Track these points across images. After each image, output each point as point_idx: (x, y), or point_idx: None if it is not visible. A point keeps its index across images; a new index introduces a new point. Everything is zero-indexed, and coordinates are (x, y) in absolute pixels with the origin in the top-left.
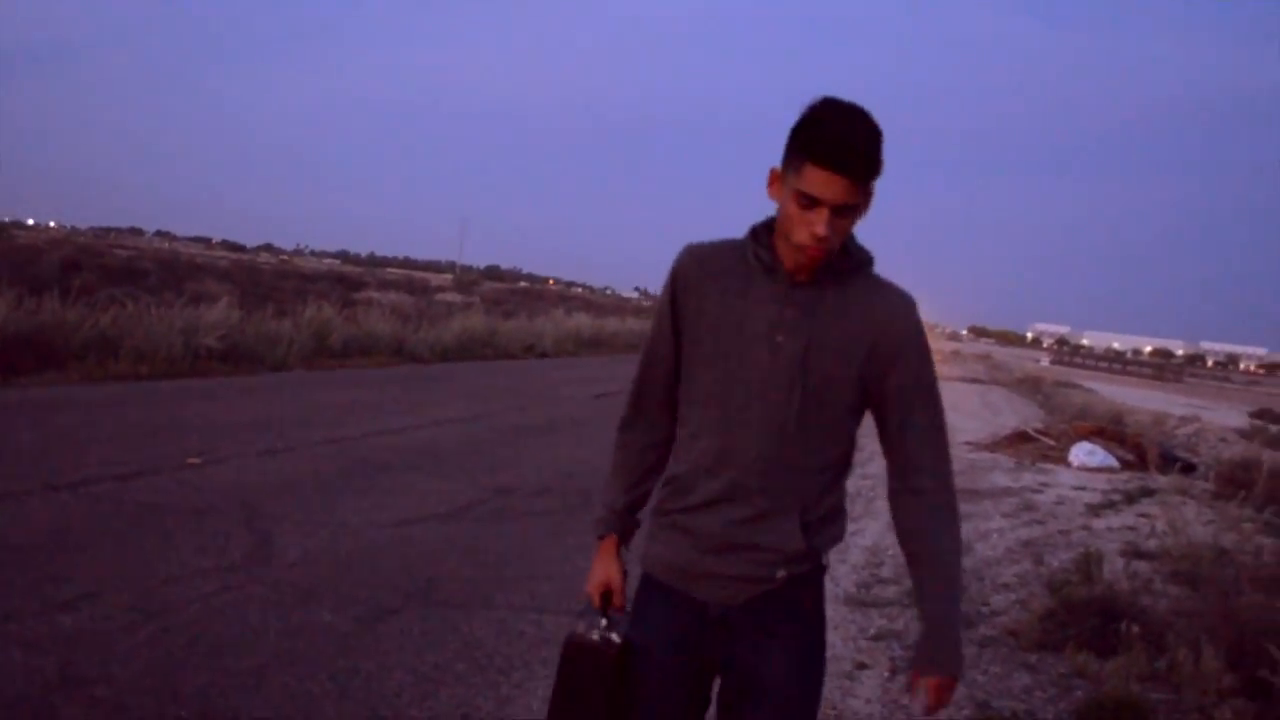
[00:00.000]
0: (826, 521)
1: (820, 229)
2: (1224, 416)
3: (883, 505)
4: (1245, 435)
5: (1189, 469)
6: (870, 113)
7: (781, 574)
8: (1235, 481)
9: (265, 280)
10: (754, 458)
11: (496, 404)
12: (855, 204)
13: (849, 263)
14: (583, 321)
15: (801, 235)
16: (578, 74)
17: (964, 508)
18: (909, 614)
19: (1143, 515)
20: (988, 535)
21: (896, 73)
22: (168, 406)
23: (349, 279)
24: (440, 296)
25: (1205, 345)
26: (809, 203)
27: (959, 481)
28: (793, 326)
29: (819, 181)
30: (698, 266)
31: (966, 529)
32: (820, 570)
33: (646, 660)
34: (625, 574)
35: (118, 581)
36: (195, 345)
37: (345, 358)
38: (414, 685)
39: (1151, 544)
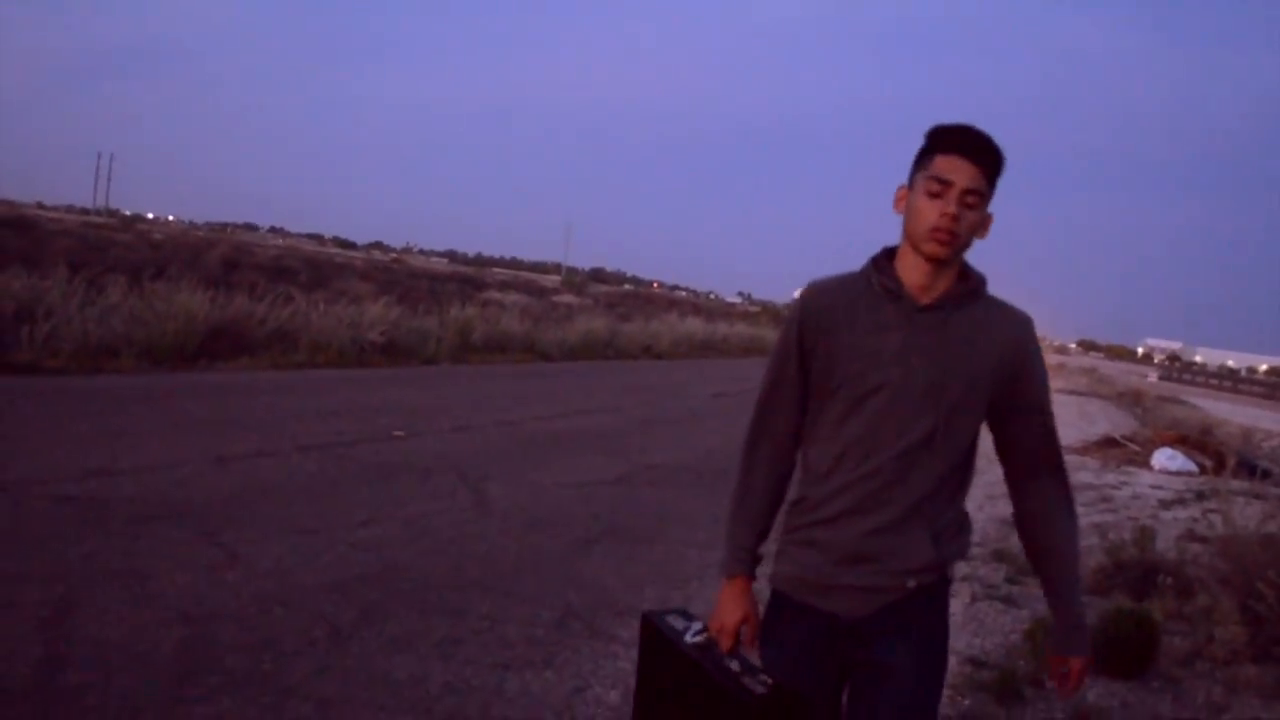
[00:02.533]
0: (954, 532)
1: (951, 207)
2: None
3: None
4: None
5: (1264, 475)
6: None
7: (912, 584)
8: None
9: (400, 280)
10: (890, 473)
11: (628, 399)
12: (981, 191)
13: (969, 285)
14: (695, 326)
15: (931, 216)
16: (683, 79)
17: None
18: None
19: (1210, 511)
20: None
21: (1007, 86)
22: (354, 391)
23: (472, 280)
24: (556, 298)
25: None
26: (939, 187)
27: None
28: (925, 348)
29: (947, 166)
30: (824, 299)
31: None
32: (946, 581)
33: (786, 671)
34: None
35: (388, 512)
36: (360, 340)
37: (485, 353)
38: (624, 586)
39: (1208, 531)
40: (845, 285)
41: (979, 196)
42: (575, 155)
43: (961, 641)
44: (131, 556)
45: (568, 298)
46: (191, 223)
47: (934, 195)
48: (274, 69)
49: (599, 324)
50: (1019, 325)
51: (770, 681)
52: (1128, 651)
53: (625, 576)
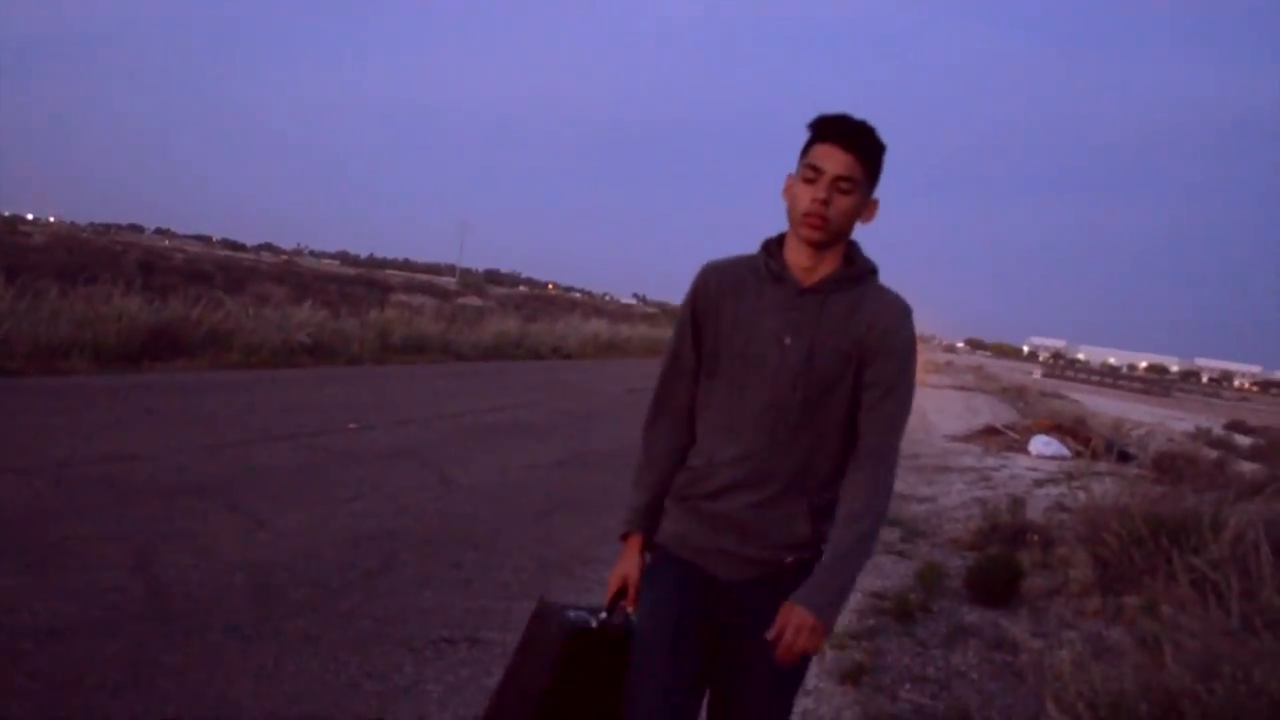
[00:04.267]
0: (827, 510)
1: (821, 193)
2: (1189, 425)
3: None
4: (1191, 437)
5: (1127, 458)
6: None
7: (789, 559)
8: (1162, 468)
9: (310, 283)
10: (764, 448)
11: (549, 395)
12: (854, 177)
13: (854, 271)
14: (600, 327)
15: (804, 201)
16: (575, 79)
17: (934, 479)
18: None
19: (1077, 488)
20: (949, 494)
21: (897, 91)
22: (297, 390)
23: (377, 282)
24: (461, 300)
25: (1201, 362)
26: (813, 174)
27: (934, 462)
28: (797, 328)
29: (822, 154)
30: (715, 280)
31: (934, 491)
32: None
33: (653, 628)
34: (643, 571)
35: (370, 490)
36: (290, 341)
37: (404, 354)
38: (584, 543)
39: (1073, 504)
40: (739, 266)
41: (852, 183)
42: (466, 156)
43: (865, 584)
44: (176, 523)
45: (472, 299)
46: (74, 223)
47: (809, 181)
48: (158, 66)
49: (510, 325)
50: (893, 311)
51: (605, 618)
52: (997, 586)
53: (584, 537)
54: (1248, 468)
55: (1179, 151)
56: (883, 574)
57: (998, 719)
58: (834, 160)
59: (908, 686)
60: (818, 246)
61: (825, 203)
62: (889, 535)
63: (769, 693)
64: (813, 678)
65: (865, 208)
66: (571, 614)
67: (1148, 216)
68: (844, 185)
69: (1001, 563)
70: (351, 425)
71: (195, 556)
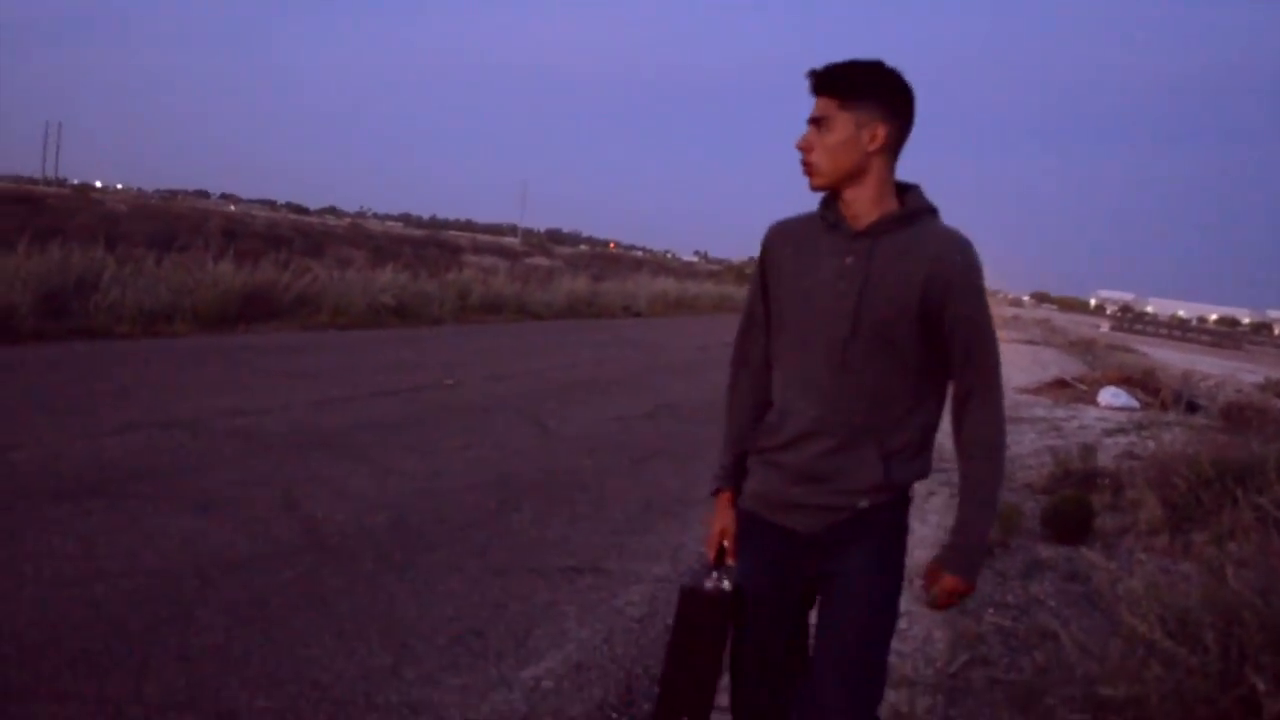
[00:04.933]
0: (908, 455)
1: (800, 142)
2: (1259, 376)
3: None
4: (1260, 389)
5: (1195, 409)
6: (875, 60)
7: (864, 504)
8: (1230, 418)
9: (384, 245)
10: (831, 395)
11: (623, 351)
12: (826, 116)
13: (905, 211)
14: (668, 285)
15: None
16: (634, 32)
17: (1007, 429)
18: None
19: (1146, 438)
20: (1021, 443)
21: (962, 39)
22: (387, 349)
23: (446, 244)
24: (529, 260)
25: (1273, 314)
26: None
27: (1008, 413)
28: (851, 271)
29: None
30: (779, 237)
31: (1008, 439)
32: (904, 500)
33: (747, 587)
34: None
35: (477, 439)
36: (375, 303)
37: (482, 313)
38: (682, 487)
39: (1142, 452)
40: (801, 221)
41: (825, 120)
42: (525, 115)
43: (946, 523)
44: (311, 470)
45: (540, 259)
46: (141, 190)
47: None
48: (221, 32)
49: (580, 285)
50: (951, 244)
51: (729, 587)
52: (1071, 524)
53: (680, 481)
54: None
55: (1244, 96)
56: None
57: (1076, 635)
58: (813, 108)
59: (991, 611)
60: (828, 191)
61: (807, 148)
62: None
63: (865, 626)
64: (906, 602)
65: (862, 135)
66: (708, 584)
67: (1218, 165)
68: (819, 125)
69: (1075, 502)
70: (448, 381)
71: (335, 499)
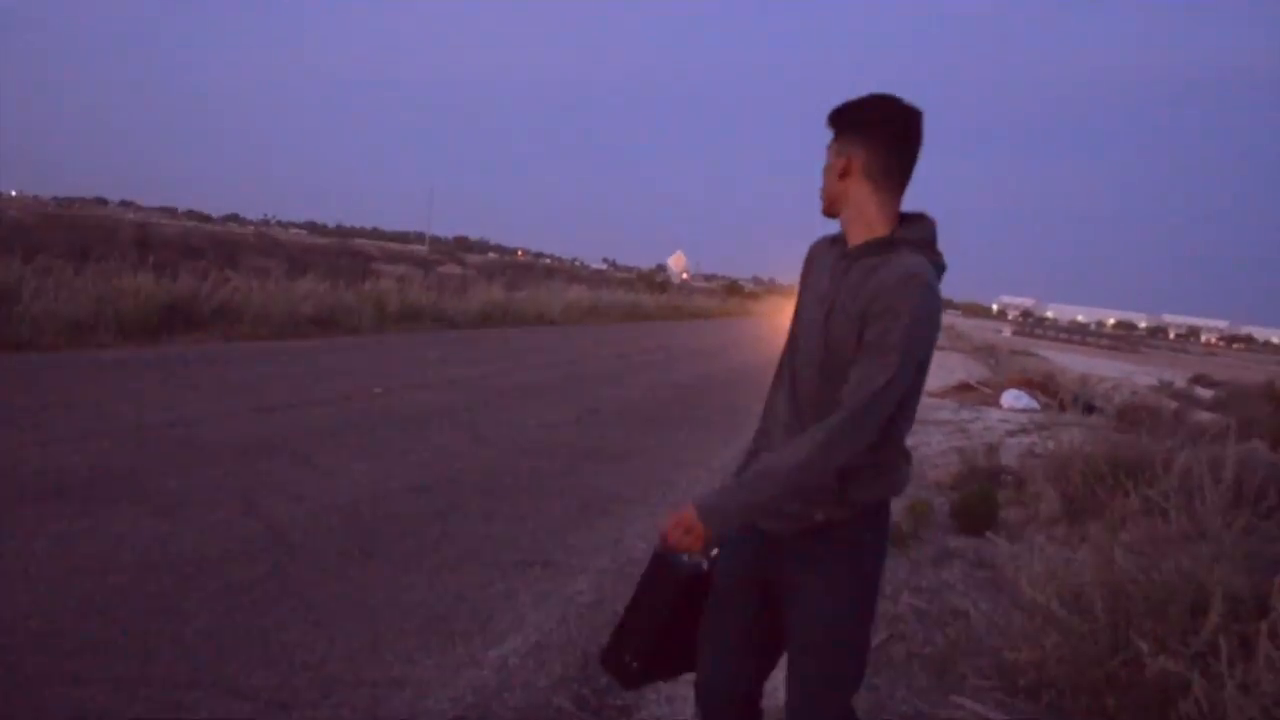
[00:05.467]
0: (867, 476)
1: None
2: (1154, 379)
3: None
4: (1154, 391)
5: (1092, 410)
6: (871, 94)
7: (820, 517)
8: (1125, 418)
9: (297, 255)
10: (800, 407)
11: (542, 359)
12: (830, 150)
13: (885, 239)
14: (581, 293)
15: None
16: (538, 47)
17: (914, 430)
18: None
19: (1046, 437)
20: (929, 444)
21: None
22: (312, 359)
23: (358, 253)
24: (441, 269)
25: (1168, 318)
26: None
27: (918, 416)
28: (827, 292)
29: None
30: (811, 251)
31: (915, 442)
32: (872, 519)
33: (717, 584)
34: None
35: (415, 445)
36: (295, 313)
37: (400, 323)
38: (617, 486)
39: (1042, 451)
40: (828, 241)
41: (829, 155)
42: (431, 124)
43: None
44: (261, 475)
45: (453, 268)
46: (37, 197)
47: None
48: (118, 36)
49: (495, 293)
50: (895, 275)
51: (700, 562)
52: (976, 517)
53: (614, 481)
54: (1206, 418)
55: (1143, 105)
56: None
57: (984, 612)
58: None
59: (906, 594)
60: (826, 215)
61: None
62: None
63: (820, 644)
64: None
65: (838, 164)
66: (686, 559)
67: (1114, 172)
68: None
69: (981, 497)
70: (377, 390)
71: (290, 501)
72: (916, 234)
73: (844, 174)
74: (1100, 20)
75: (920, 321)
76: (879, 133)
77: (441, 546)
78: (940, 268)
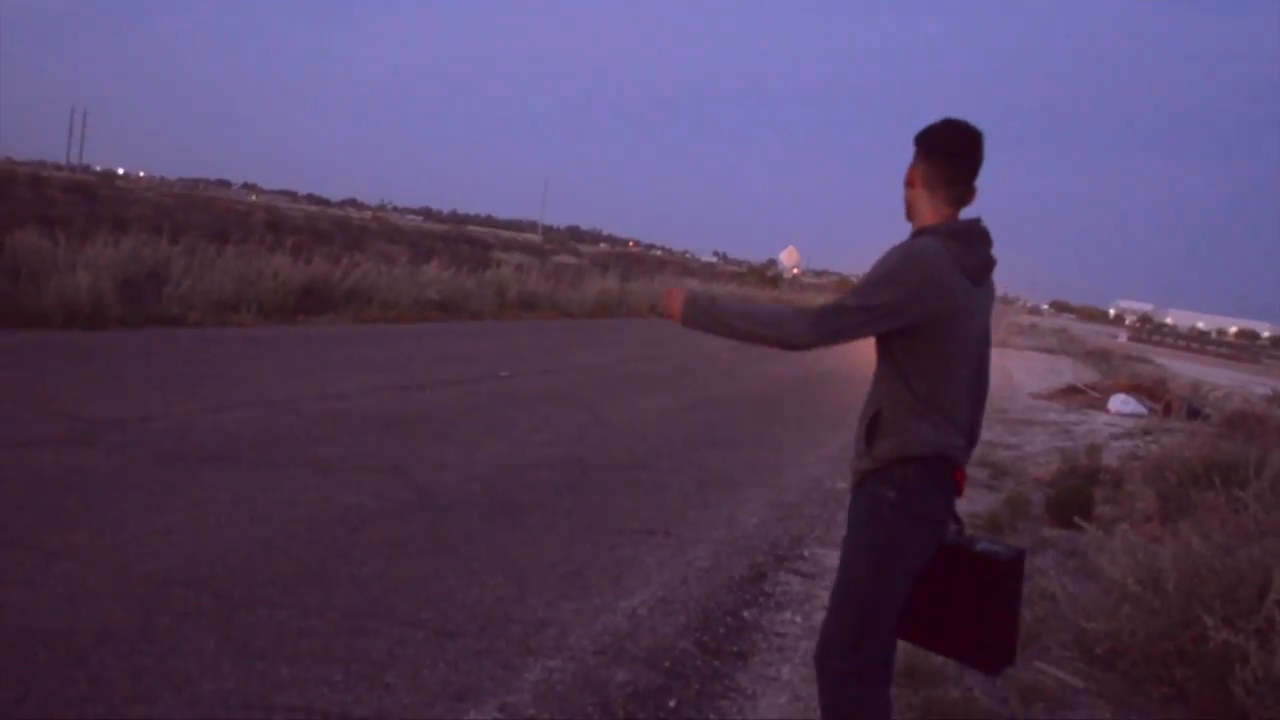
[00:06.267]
0: (884, 431)
1: None
2: (1268, 389)
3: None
4: (1268, 400)
5: (1200, 416)
6: (943, 119)
7: (861, 466)
8: (1233, 425)
9: (418, 241)
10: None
11: (656, 350)
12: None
13: (914, 233)
14: (694, 285)
15: None
16: (657, 35)
17: (1019, 430)
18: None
19: (1151, 442)
20: (1032, 443)
21: (972, 42)
22: (439, 341)
23: (476, 240)
24: (556, 258)
25: None
26: None
27: (1019, 416)
28: None
29: None
30: None
31: (1019, 440)
32: (888, 473)
33: None
34: None
35: (541, 425)
36: (421, 298)
37: (518, 310)
38: (731, 468)
39: (1145, 454)
40: None
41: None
42: (546, 112)
43: (960, 508)
44: (407, 446)
45: (567, 258)
46: (164, 179)
47: None
48: (242, 24)
49: (610, 284)
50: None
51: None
52: (1071, 510)
53: (726, 464)
54: None
55: (1273, 110)
56: (975, 502)
57: (1070, 596)
58: None
59: None
60: (909, 220)
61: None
62: (979, 474)
63: (838, 579)
64: None
65: (907, 179)
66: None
67: (1242, 177)
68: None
69: (1077, 492)
70: (504, 373)
71: (435, 470)
72: (940, 226)
73: (910, 184)
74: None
75: (884, 272)
76: (931, 149)
77: (573, 514)
78: (974, 258)
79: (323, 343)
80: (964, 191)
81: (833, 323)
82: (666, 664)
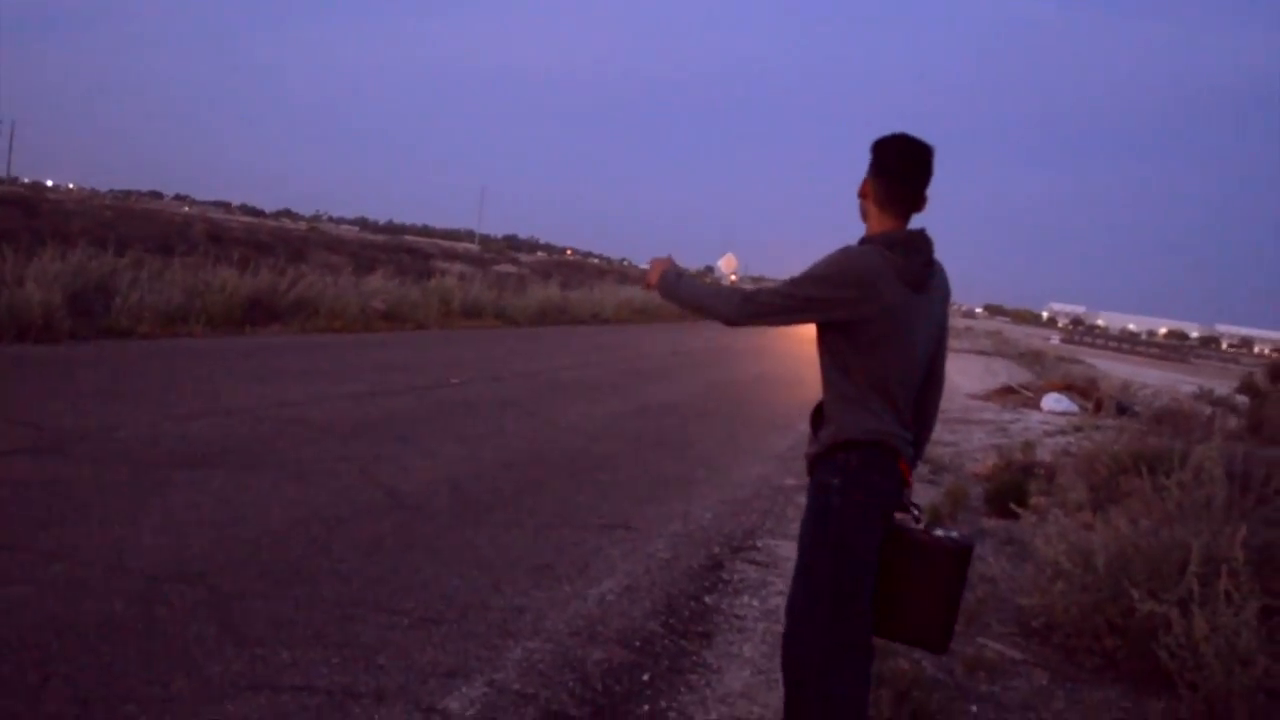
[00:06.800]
0: (826, 416)
1: None
2: (1194, 387)
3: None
4: (1195, 397)
5: (1129, 413)
6: (891, 135)
7: (811, 450)
8: (1160, 421)
9: (359, 253)
10: None
11: (604, 356)
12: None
13: (860, 241)
14: (634, 293)
15: None
16: (587, 41)
17: (956, 429)
18: None
19: (1082, 438)
20: (969, 440)
21: (909, 55)
22: (388, 351)
23: (417, 250)
24: (496, 267)
25: (1222, 328)
26: None
27: (956, 416)
28: None
29: None
30: None
31: (956, 438)
32: (830, 459)
33: None
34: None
35: (494, 429)
36: (366, 308)
37: (463, 318)
38: (682, 469)
39: (1076, 450)
40: None
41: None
42: (481, 122)
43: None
44: (369, 451)
45: (507, 266)
46: (94, 190)
47: None
48: (175, 33)
49: (552, 292)
50: None
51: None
52: (1008, 501)
53: (677, 465)
54: (1239, 424)
55: (1201, 115)
56: (915, 494)
57: (1008, 578)
58: None
59: None
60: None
61: None
62: (919, 470)
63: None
64: None
65: (860, 189)
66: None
67: (1171, 181)
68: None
69: (1013, 485)
70: (454, 380)
71: (400, 473)
72: (882, 236)
73: (863, 195)
74: (1163, 24)
75: (814, 270)
76: (884, 172)
77: (536, 512)
78: (911, 266)
79: (273, 353)
80: (912, 204)
81: (757, 305)
82: (637, 643)
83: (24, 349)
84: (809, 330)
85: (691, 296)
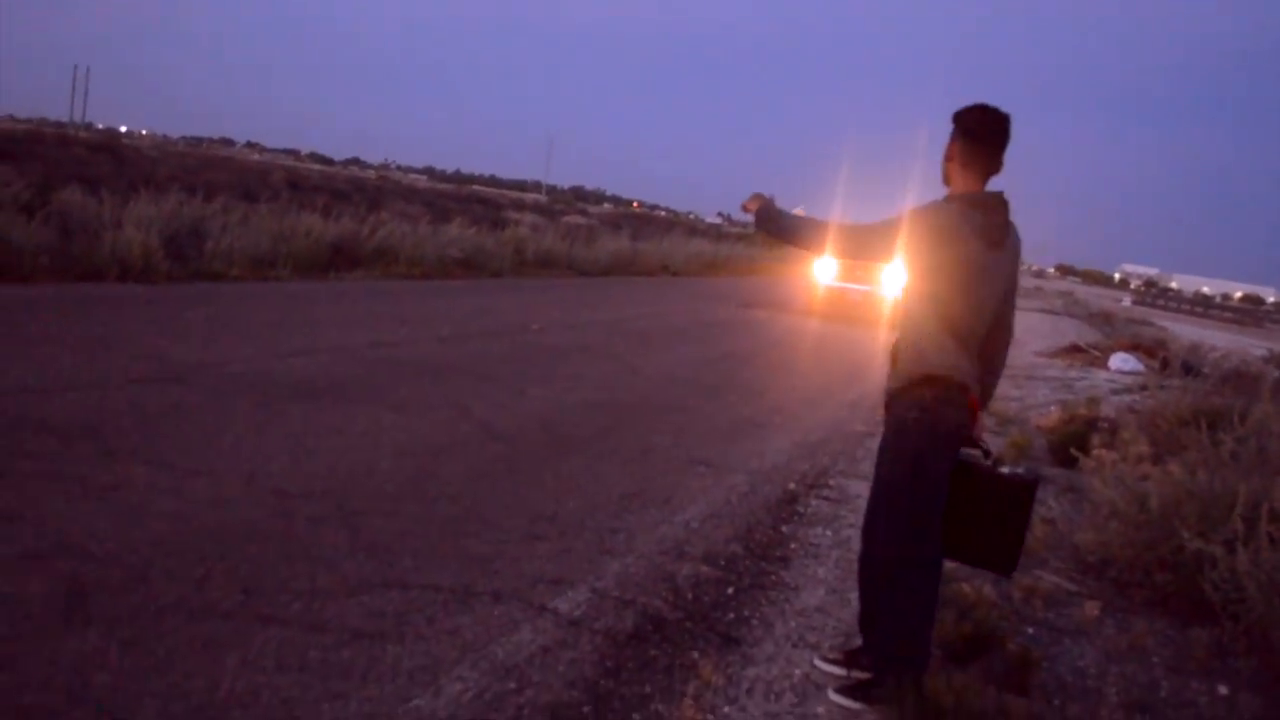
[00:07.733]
0: (900, 355)
1: None
2: (1265, 351)
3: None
4: (1265, 360)
5: (1198, 374)
6: (974, 105)
7: (890, 385)
8: (1227, 382)
9: (434, 202)
10: None
11: (673, 306)
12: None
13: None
14: (703, 245)
15: None
16: None
17: (1022, 384)
18: None
19: (1148, 396)
20: (1034, 396)
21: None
22: (468, 297)
23: (488, 200)
24: (566, 219)
25: None
26: None
27: (1022, 372)
28: None
29: None
30: None
31: (1021, 394)
32: (904, 394)
33: None
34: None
35: (577, 373)
36: (444, 256)
37: (536, 268)
38: (757, 413)
39: (1141, 407)
40: None
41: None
42: (550, 72)
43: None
44: (465, 389)
45: (576, 218)
46: (166, 137)
47: None
48: None
49: (622, 244)
50: None
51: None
52: (1070, 451)
53: (752, 409)
54: None
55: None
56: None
57: (1067, 520)
58: None
59: None
60: (946, 185)
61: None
62: (986, 421)
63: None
64: None
65: (945, 153)
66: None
67: (1249, 142)
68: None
69: (1076, 436)
70: (535, 326)
71: (493, 409)
72: (964, 195)
73: (948, 158)
74: None
75: (896, 217)
76: (967, 136)
77: (621, 448)
78: (989, 224)
79: (359, 297)
80: (991, 167)
81: (844, 243)
82: (721, 562)
83: (129, 289)
84: (882, 287)
85: (785, 227)
